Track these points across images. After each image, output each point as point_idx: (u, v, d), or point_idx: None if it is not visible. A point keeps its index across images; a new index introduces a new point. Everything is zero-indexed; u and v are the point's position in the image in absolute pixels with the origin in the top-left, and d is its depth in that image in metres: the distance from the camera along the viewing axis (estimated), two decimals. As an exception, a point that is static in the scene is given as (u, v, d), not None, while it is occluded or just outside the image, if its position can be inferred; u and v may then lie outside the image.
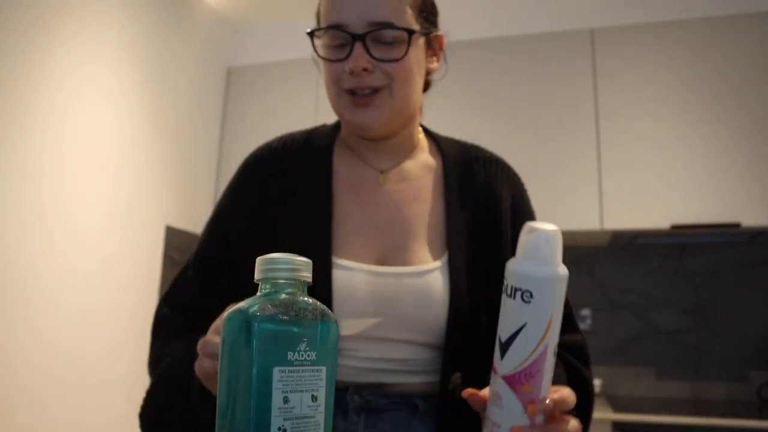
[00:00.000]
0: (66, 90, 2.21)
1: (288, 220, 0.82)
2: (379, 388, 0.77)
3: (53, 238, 2.13)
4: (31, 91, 2.07)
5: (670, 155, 2.42)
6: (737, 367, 2.52)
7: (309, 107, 2.91)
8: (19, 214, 2.01)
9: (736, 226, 2.30)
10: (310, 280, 0.49)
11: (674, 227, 2.36)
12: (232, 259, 0.82)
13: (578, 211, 2.47)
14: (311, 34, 0.82)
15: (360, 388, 0.76)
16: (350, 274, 0.78)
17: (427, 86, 0.91)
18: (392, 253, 0.81)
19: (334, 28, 0.78)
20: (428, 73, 0.88)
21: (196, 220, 2.92)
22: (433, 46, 0.87)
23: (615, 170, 2.46)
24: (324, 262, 0.77)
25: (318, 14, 0.84)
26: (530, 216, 0.93)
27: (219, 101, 3.12)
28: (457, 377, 0.78)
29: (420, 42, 0.82)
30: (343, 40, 0.78)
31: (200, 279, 0.85)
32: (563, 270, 0.58)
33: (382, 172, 0.87)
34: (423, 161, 0.90)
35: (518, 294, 0.57)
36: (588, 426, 0.79)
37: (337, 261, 0.79)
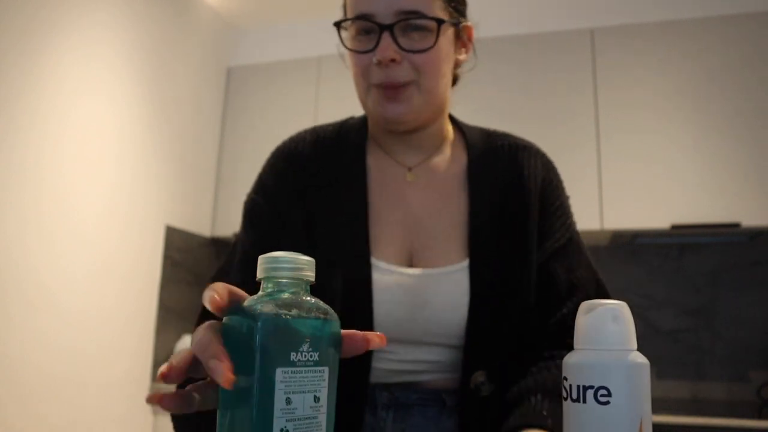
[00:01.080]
0: (66, 90, 2.21)
1: (326, 218, 0.80)
2: (407, 386, 0.78)
3: (53, 237, 2.13)
4: (30, 92, 2.07)
5: (670, 155, 2.42)
6: (737, 367, 2.51)
7: (309, 107, 2.91)
8: (19, 213, 2.01)
9: (736, 226, 2.30)
10: (313, 279, 0.48)
11: (674, 227, 2.36)
12: (274, 247, 0.76)
13: (578, 211, 2.44)
14: (338, 25, 0.79)
15: (388, 386, 0.77)
16: (386, 276, 0.77)
17: (456, 79, 0.89)
18: (420, 252, 0.80)
19: (362, 18, 0.76)
20: (457, 65, 0.86)
21: (196, 220, 2.92)
22: (462, 37, 0.85)
23: (615, 170, 2.46)
24: (364, 266, 0.77)
25: (344, 6, 0.81)
26: (558, 202, 0.89)
27: (219, 101, 3.12)
28: (479, 374, 0.77)
29: (449, 32, 0.80)
30: (371, 30, 0.76)
31: (243, 266, 0.80)
32: (642, 357, 0.46)
33: (410, 168, 0.85)
34: (450, 156, 0.87)
35: (590, 394, 0.44)
36: None
37: (375, 263, 0.78)
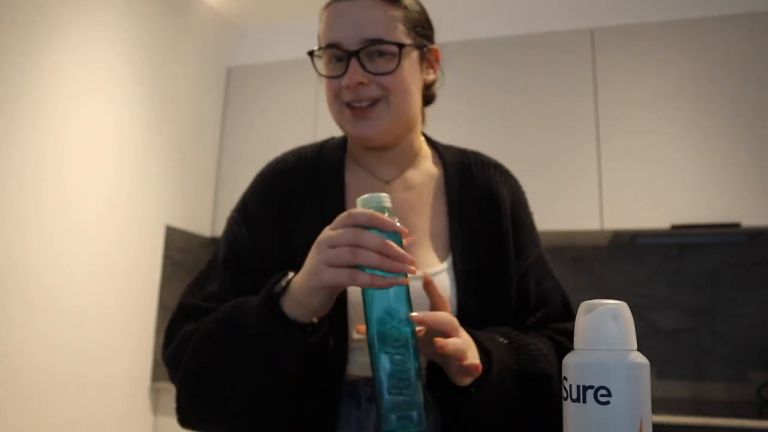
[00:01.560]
0: (66, 90, 2.21)
1: (304, 233, 0.84)
2: None
3: (53, 237, 2.13)
4: (31, 91, 2.07)
5: (670, 155, 2.42)
6: (737, 367, 2.51)
7: (309, 107, 2.91)
8: (19, 213, 2.01)
9: (736, 226, 2.30)
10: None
11: (674, 227, 2.36)
12: (259, 261, 0.86)
13: (578, 211, 2.47)
14: (311, 54, 0.87)
15: (371, 379, 0.79)
16: None
17: (431, 99, 0.96)
18: None
19: (332, 47, 0.84)
20: (428, 86, 0.93)
21: (196, 220, 2.92)
22: (429, 59, 0.92)
23: (615, 170, 2.46)
24: None
25: (318, 37, 0.89)
26: (528, 219, 0.96)
27: (219, 101, 3.12)
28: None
29: (413, 55, 0.87)
30: (341, 57, 0.84)
31: (229, 273, 0.87)
32: (642, 357, 0.46)
33: (387, 182, 0.91)
34: (425, 170, 0.94)
35: (590, 394, 0.45)
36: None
37: None
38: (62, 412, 2.14)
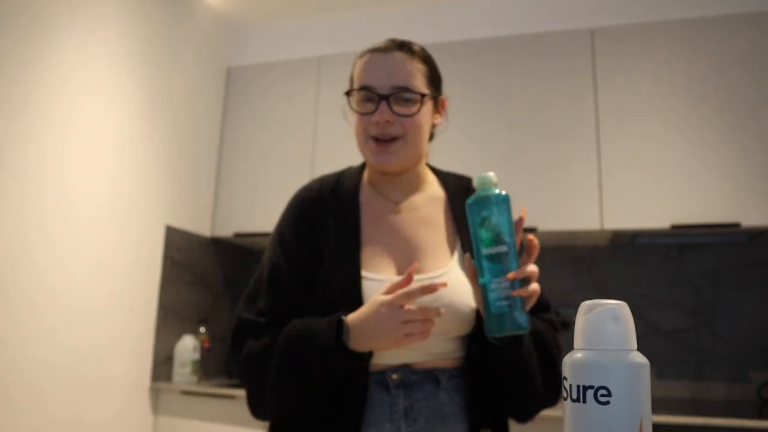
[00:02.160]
0: (66, 90, 2.21)
1: (330, 245, 1.04)
2: (408, 367, 0.99)
3: (53, 237, 2.13)
4: (30, 92, 2.07)
5: (670, 155, 2.42)
6: (737, 367, 2.52)
7: (309, 107, 2.91)
8: (19, 213, 2.01)
9: (736, 226, 2.30)
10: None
11: (674, 227, 2.36)
12: (295, 279, 1.04)
13: (578, 211, 2.47)
14: (348, 94, 1.06)
15: (394, 369, 0.98)
16: (377, 284, 0.98)
17: (432, 137, 1.13)
18: (408, 265, 1.01)
19: (366, 89, 1.03)
20: (434, 126, 1.11)
21: (196, 220, 2.92)
22: (438, 106, 1.11)
23: (615, 170, 2.46)
24: (354, 276, 1.00)
25: (351, 77, 1.08)
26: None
27: (219, 101, 3.12)
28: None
29: (429, 103, 1.06)
30: (371, 98, 1.03)
31: (274, 292, 1.04)
32: (642, 357, 0.47)
33: (397, 203, 1.10)
34: (430, 193, 1.13)
35: (590, 394, 0.45)
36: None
37: (365, 274, 1.00)
38: (62, 412, 2.14)
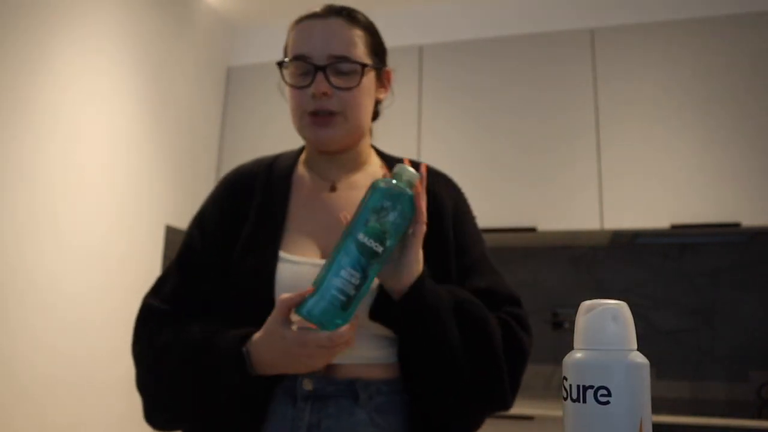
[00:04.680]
0: (66, 90, 2.21)
1: (253, 224, 0.94)
2: (327, 375, 0.86)
3: (53, 237, 2.13)
4: (30, 92, 2.07)
5: (670, 155, 2.42)
6: (737, 367, 2.52)
7: (309, 107, 2.91)
8: (18, 214, 2.01)
9: (736, 226, 2.30)
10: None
11: (674, 227, 2.36)
12: (208, 261, 0.95)
13: (578, 211, 2.47)
14: (280, 65, 0.95)
15: (310, 375, 0.86)
16: (295, 267, 0.89)
17: (377, 115, 1.05)
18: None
19: (300, 59, 0.92)
20: (378, 102, 1.02)
21: (196, 220, 2.92)
22: (382, 79, 1.01)
23: (615, 170, 2.46)
24: (270, 257, 0.89)
25: (286, 48, 0.98)
26: (469, 222, 1.02)
27: (219, 101, 3.12)
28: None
29: (371, 75, 0.96)
30: (307, 69, 0.92)
31: (182, 274, 0.95)
32: (642, 357, 0.47)
33: (333, 182, 1.00)
34: (371, 173, 1.02)
35: (590, 394, 0.45)
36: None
37: (284, 255, 0.90)
38: (62, 414, 2.14)
